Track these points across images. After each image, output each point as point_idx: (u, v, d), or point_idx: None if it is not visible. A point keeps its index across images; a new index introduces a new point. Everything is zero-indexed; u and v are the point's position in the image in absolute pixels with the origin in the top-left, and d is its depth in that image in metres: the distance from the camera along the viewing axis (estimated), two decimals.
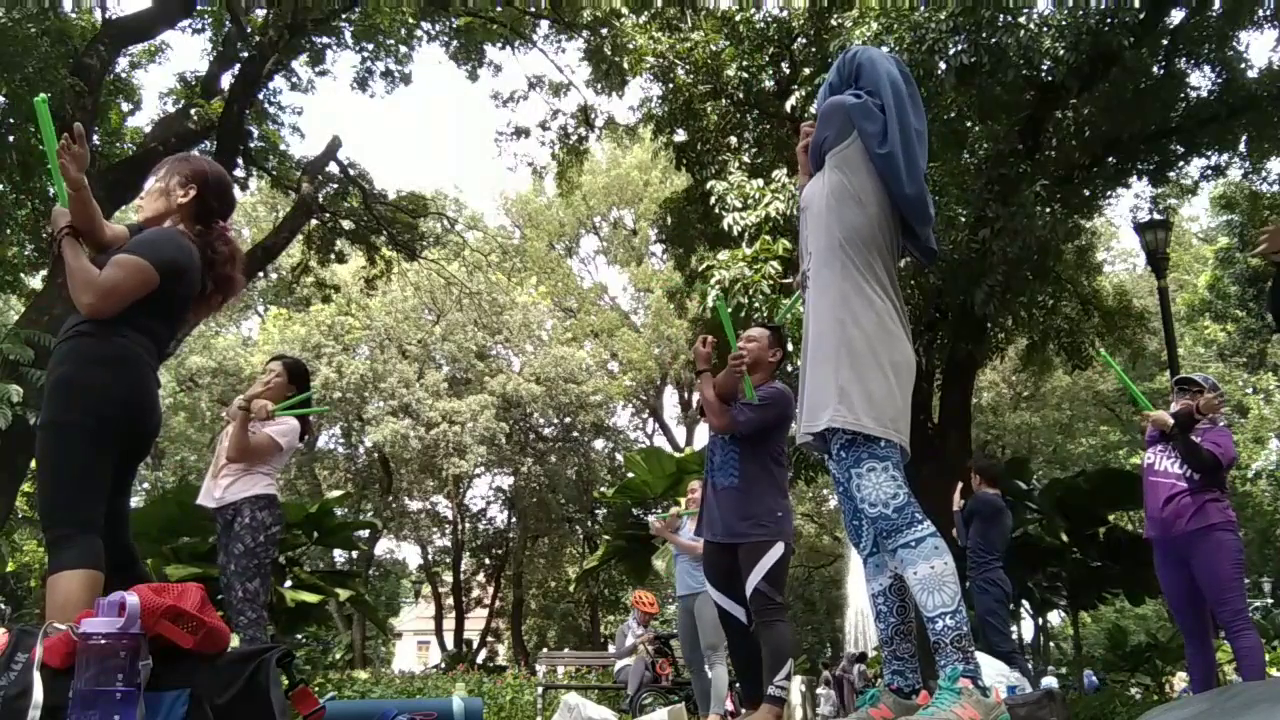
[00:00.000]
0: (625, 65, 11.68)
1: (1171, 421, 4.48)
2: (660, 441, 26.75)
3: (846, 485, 2.62)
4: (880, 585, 2.59)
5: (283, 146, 14.43)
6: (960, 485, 6.84)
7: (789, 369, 9.20)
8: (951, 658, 2.27)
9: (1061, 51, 8.31)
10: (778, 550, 3.82)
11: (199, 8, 12.59)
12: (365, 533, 21.73)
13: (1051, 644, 24.03)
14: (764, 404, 3.92)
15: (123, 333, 2.53)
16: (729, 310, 4.03)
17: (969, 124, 9.26)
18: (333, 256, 15.34)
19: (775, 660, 3.74)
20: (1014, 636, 7.40)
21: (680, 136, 11.23)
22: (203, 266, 2.70)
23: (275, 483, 4.39)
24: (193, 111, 12.20)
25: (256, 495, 4.22)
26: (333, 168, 14.31)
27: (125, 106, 13.32)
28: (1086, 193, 10.98)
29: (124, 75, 13.18)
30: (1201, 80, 10.27)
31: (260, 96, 13.49)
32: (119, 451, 2.53)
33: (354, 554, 22.63)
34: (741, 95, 10.14)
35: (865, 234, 2.49)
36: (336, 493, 16.06)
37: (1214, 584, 4.28)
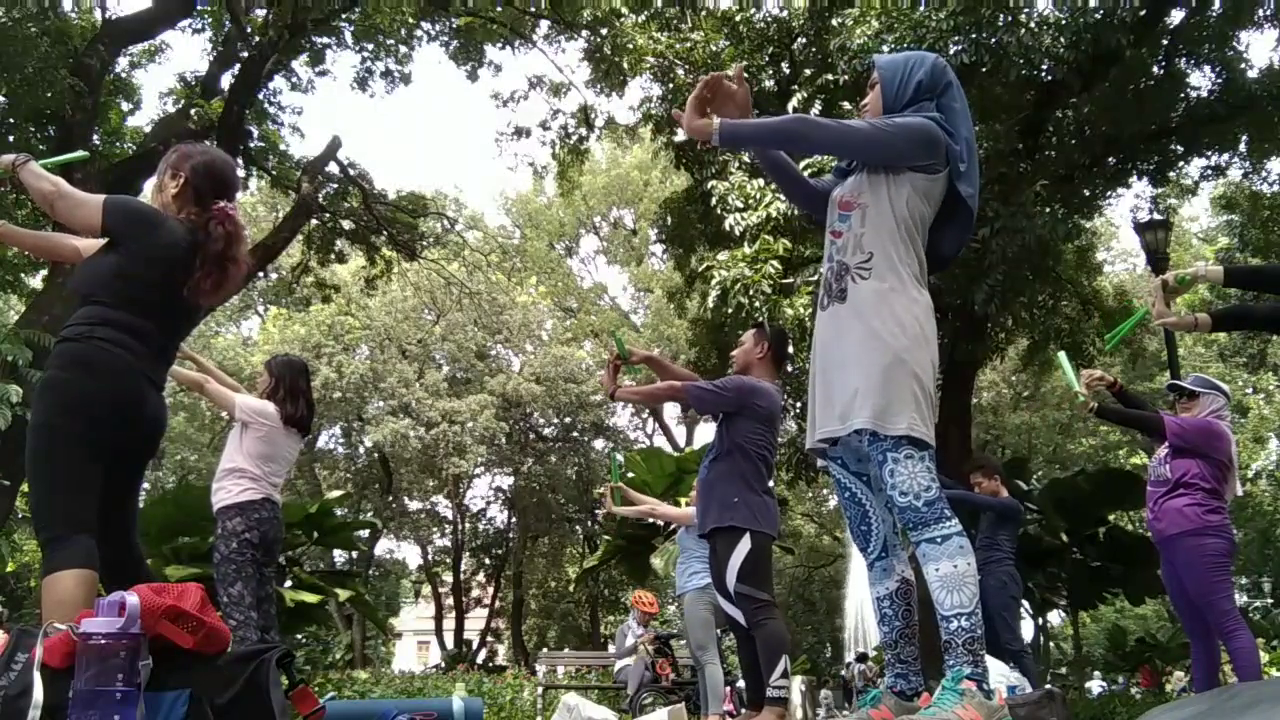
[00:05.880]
0: (625, 65, 11.67)
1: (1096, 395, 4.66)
2: (660, 441, 26.77)
3: (856, 486, 2.61)
4: (886, 589, 2.57)
5: (283, 146, 14.42)
6: None
7: (789, 368, 9.22)
8: (961, 659, 2.26)
9: (1062, 50, 8.31)
10: (744, 544, 3.82)
11: (199, 8, 12.59)
12: (365, 533, 21.72)
13: (1051, 644, 24.02)
14: (718, 388, 4.07)
15: (108, 335, 2.54)
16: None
17: None
18: (333, 256, 15.32)
19: (769, 658, 3.74)
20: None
21: (680, 136, 11.23)
22: (194, 248, 2.66)
23: (255, 486, 4.41)
24: (193, 111, 12.19)
25: (225, 507, 4.38)
26: (333, 168, 14.30)
27: (125, 106, 13.32)
28: (1086, 193, 10.98)
29: (124, 75, 13.18)
30: (1201, 80, 10.29)
31: (260, 96, 13.49)
32: (110, 452, 2.53)
33: (354, 554, 22.61)
34: None
35: (920, 246, 2.54)
36: (336, 493, 16.04)
37: (1195, 588, 4.28)
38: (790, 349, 8.40)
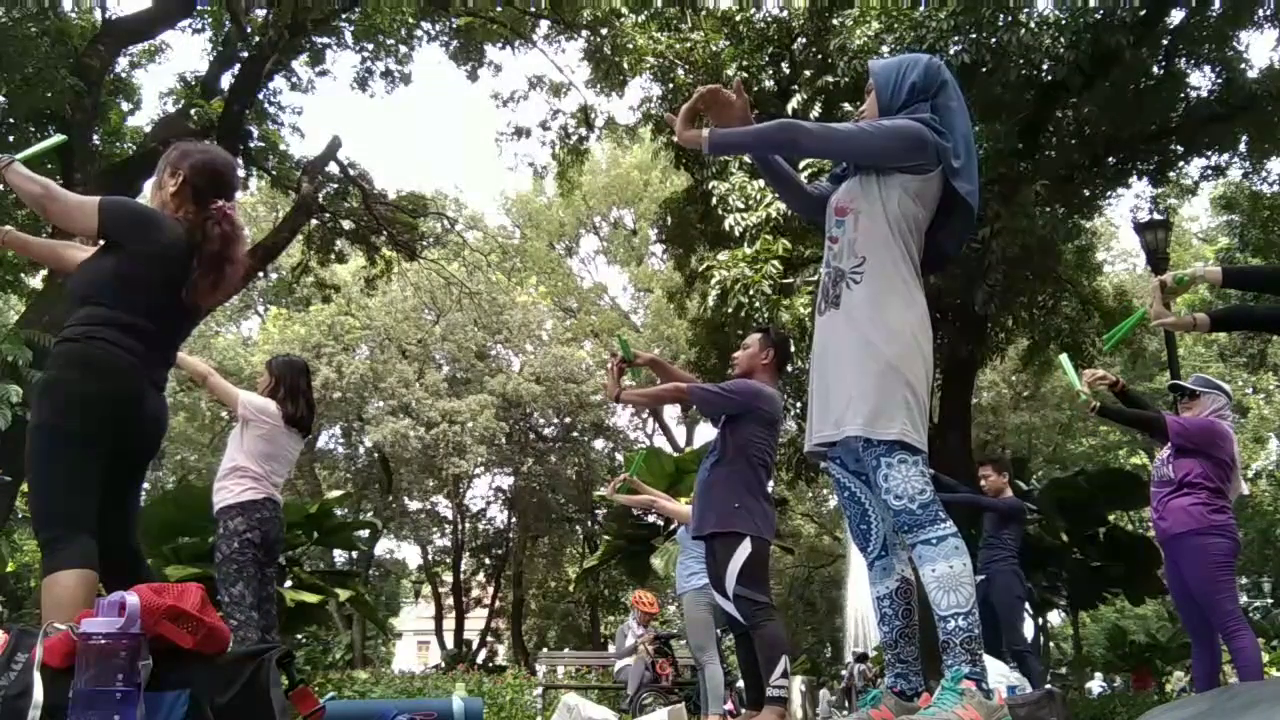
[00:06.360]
0: (625, 65, 11.67)
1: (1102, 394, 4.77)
2: (660, 441, 26.76)
3: (855, 485, 2.61)
4: (886, 589, 2.58)
5: (283, 146, 14.42)
6: None
7: (789, 369, 9.22)
8: (959, 659, 2.27)
9: (1062, 50, 8.31)
10: (745, 548, 3.83)
11: (199, 8, 12.59)
12: (365, 533, 21.69)
13: (1051, 644, 24.02)
14: (724, 390, 4.07)
15: (108, 335, 2.53)
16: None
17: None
18: (333, 256, 15.33)
19: (769, 659, 3.76)
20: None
21: None
22: (191, 248, 2.65)
23: (257, 485, 4.42)
24: (193, 111, 12.20)
25: (226, 506, 4.39)
26: (333, 168, 14.30)
27: (125, 106, 13.33)
28: (1086, 193, 10.98)
29: (124, 75, 13.18)
30: (1201, 80, 10.28)
31: (260, 96, 13.49)
32: (110, 452, 2.53)
33: (354, 554, 22.61)
34: None
35: (914, 248, 2.55)
36: (336, 493, 16.04)
37: (1198, 588, 4.28)
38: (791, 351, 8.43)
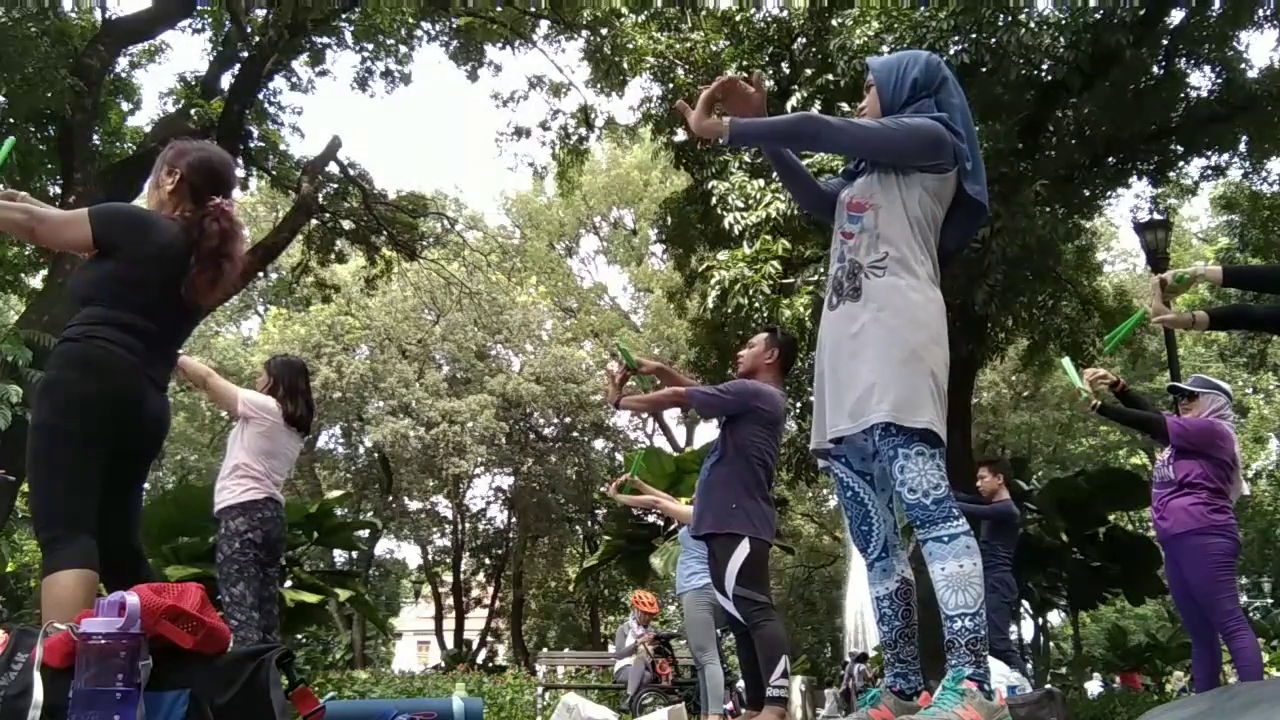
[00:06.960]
0: (625, 65, 11.67)
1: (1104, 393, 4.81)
2: (660, 441, 26.75)
3: (859, 485, 2.60)
4: (886, 589, 2.56)
5: (283, 146, 14.43)
6: None
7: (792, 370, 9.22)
8: (963, 659, 2.26)
9: (1062, 50, 8.31)
10: (744, 549, 3.84)
11: (199, 8, 12.60)
12: (365, 533, 21.70)
13: (1051, 644, 24.01)
14: (721, 392, 4.09)
15: (108, 335, 2.53)
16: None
17: None
18: (333, 256, 15.33)
19: (769, 659, 3.76)
20: (1013, 636, 7.44)
21: (680, 136, 11.23)
22: (189, 246, 2.64)
23: (258, 485, 4.42)
24: (193, 111, 12.19)
25: (229, 506, 4.38)
26: (333, 168, 14.31)
27: (125, 106, 13.34)
28: (1086, 193, 10.97)
29: (124, 75, 13.19)
30: (1201, 80, 10.28)
31: (260, 96, 13.50)
32: (109, 453, 2.52)
33: (354, 554, 22.61)
34: None
35: (932, 246, 2.54)
36: (336, 493, 16.03)
37: (1199, 587, 4.28)
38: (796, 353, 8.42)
